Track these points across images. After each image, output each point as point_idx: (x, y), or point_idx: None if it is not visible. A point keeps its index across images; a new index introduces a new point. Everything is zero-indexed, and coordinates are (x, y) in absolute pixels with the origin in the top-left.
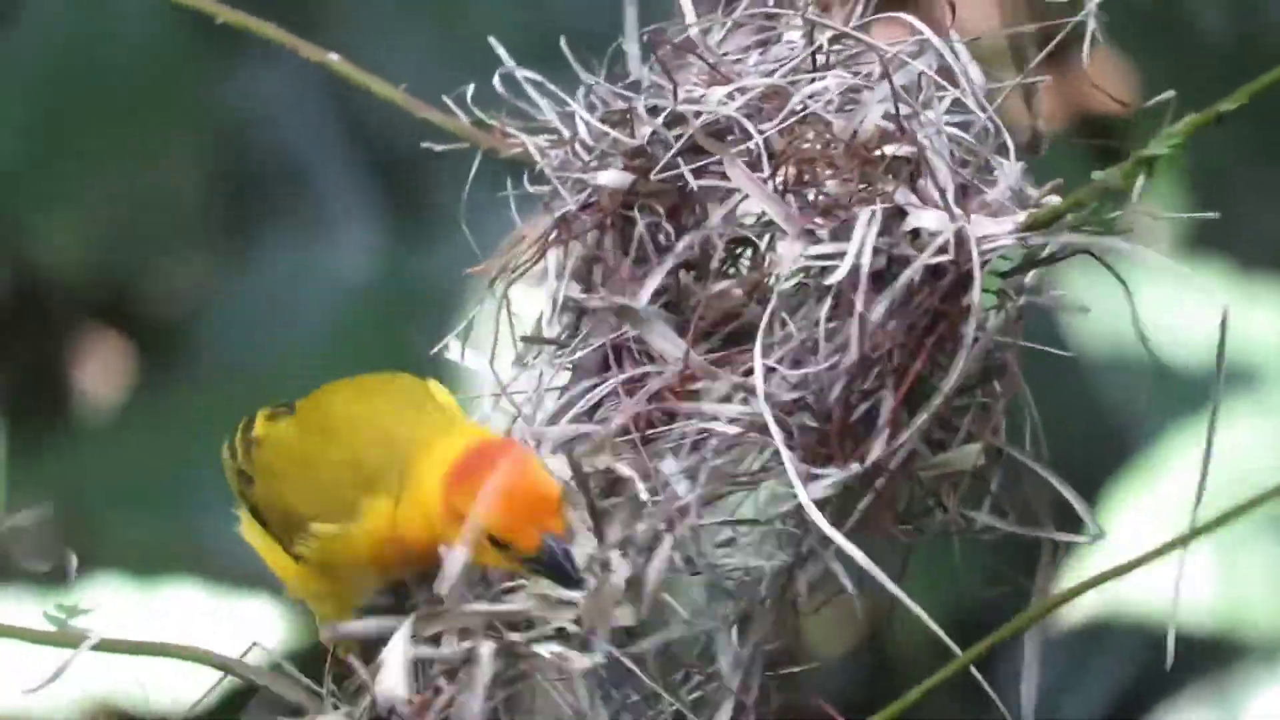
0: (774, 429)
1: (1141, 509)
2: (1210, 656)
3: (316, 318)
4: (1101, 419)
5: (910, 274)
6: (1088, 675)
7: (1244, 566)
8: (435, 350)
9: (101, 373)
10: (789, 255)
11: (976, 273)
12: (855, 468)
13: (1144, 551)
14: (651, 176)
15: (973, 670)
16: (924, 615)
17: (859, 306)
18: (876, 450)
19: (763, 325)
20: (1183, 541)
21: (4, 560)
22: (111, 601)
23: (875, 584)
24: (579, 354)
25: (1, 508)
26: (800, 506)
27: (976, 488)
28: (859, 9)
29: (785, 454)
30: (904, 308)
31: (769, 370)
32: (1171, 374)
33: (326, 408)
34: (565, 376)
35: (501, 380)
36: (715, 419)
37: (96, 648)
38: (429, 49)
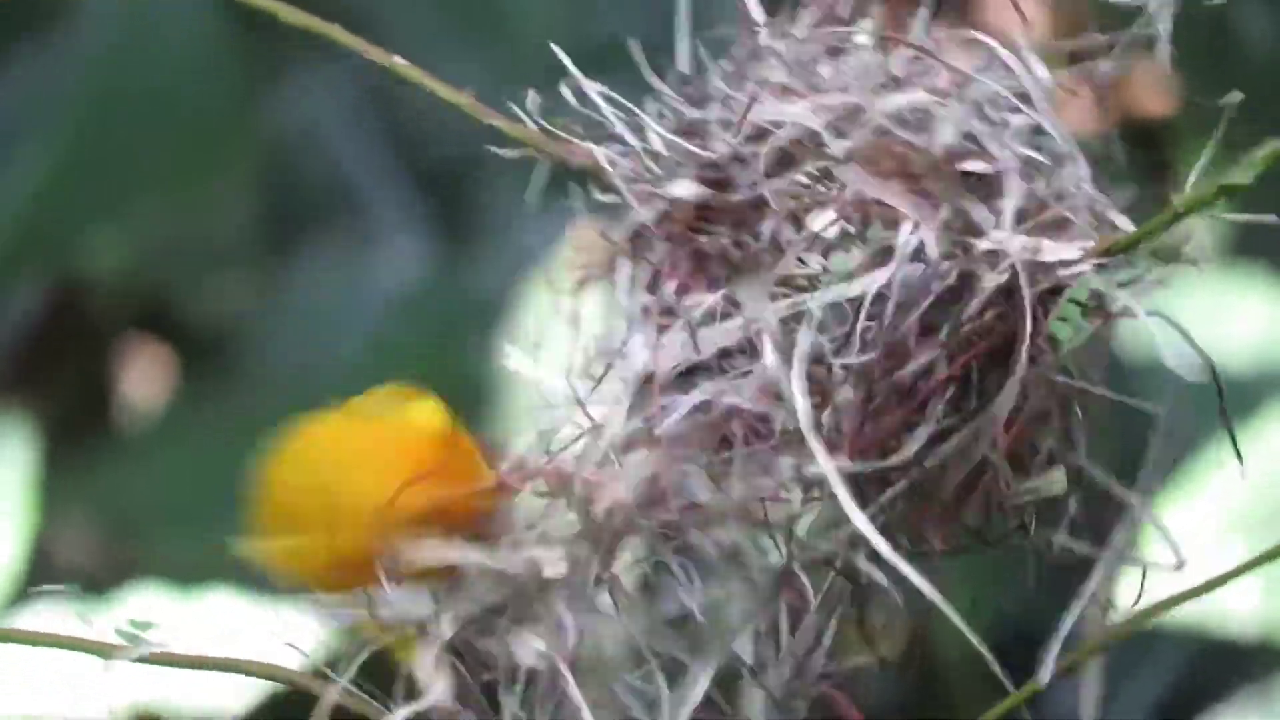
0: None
1: (1184, 520)
2: (1255, 664)
3: (362, 329)
4: (1144, 427)
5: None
6: (1131, 683)
7: None
8: (500, 359)
9: (144, 383)
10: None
11: (1025, 293)
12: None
13: (1189, 557)
14: (735, 195)
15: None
16: (971, 635)
17: (888, 314)
18: (908, 449)
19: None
20: (1269, 557)
21: (46, 569)
22: (153, 612)
23: (915, 595)
24: (649, 366)
25: (43, 518)
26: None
27: (1049, 509)
28: (929, 21)
29: (813, 441)
30: (963, 323)
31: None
32: (1223, 379)
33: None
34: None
35: (574, 392)
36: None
37: (148, 660)
38: (477, 59)
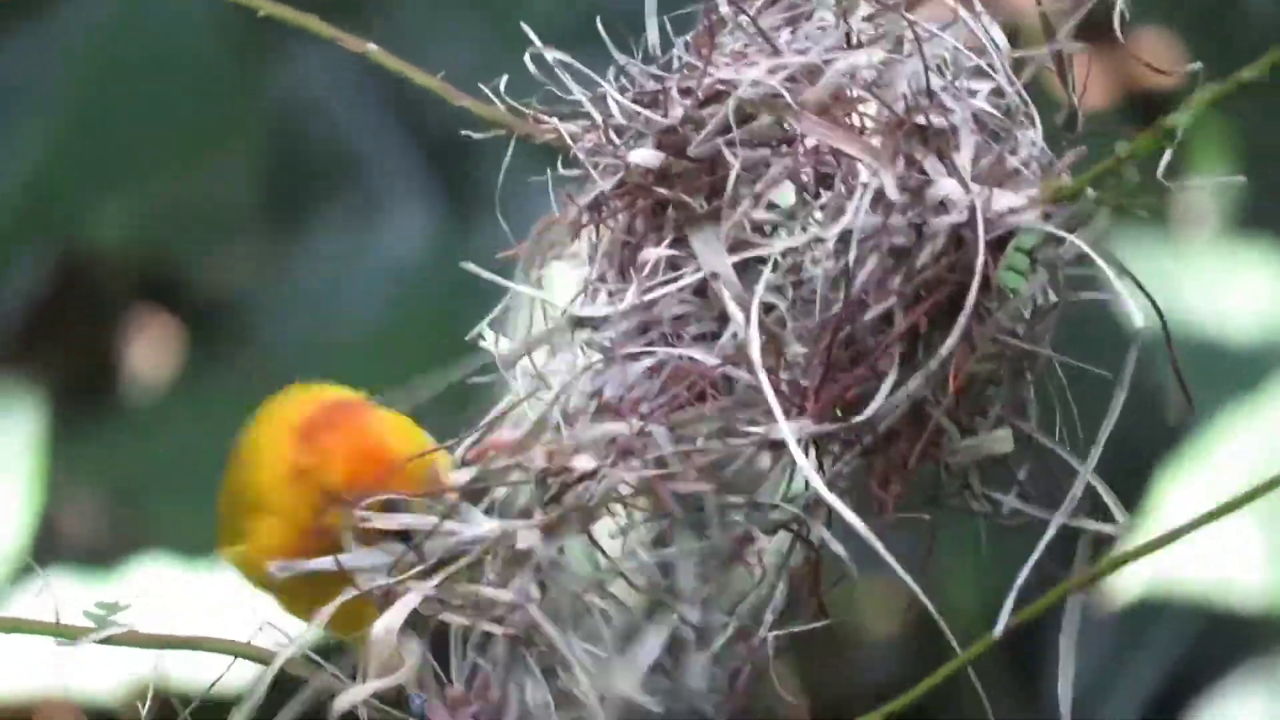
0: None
1: (1191, 491)
2: (1261, 636)
3: (367, 301)
4: (1150, 399)
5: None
6: (1137, 656)
7: None
8: (470, 336)
9: (150, 354)
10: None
11: (980, 230)
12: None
13: (1195, 532)
14: (690, 152)
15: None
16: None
17: (845, 263)
18: (870, 409)
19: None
20: (1216, 515)
21: (52, 540)
22: (159, 583)
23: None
24: (613, 335)
25: (49, 489)
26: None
27: (1005, 475)
28: None
29: (770, 395)
30: (915, 273)
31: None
32: (1221, 352)
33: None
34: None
35: (536, 366)
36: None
37: (124, 641)
38: (474, 36)
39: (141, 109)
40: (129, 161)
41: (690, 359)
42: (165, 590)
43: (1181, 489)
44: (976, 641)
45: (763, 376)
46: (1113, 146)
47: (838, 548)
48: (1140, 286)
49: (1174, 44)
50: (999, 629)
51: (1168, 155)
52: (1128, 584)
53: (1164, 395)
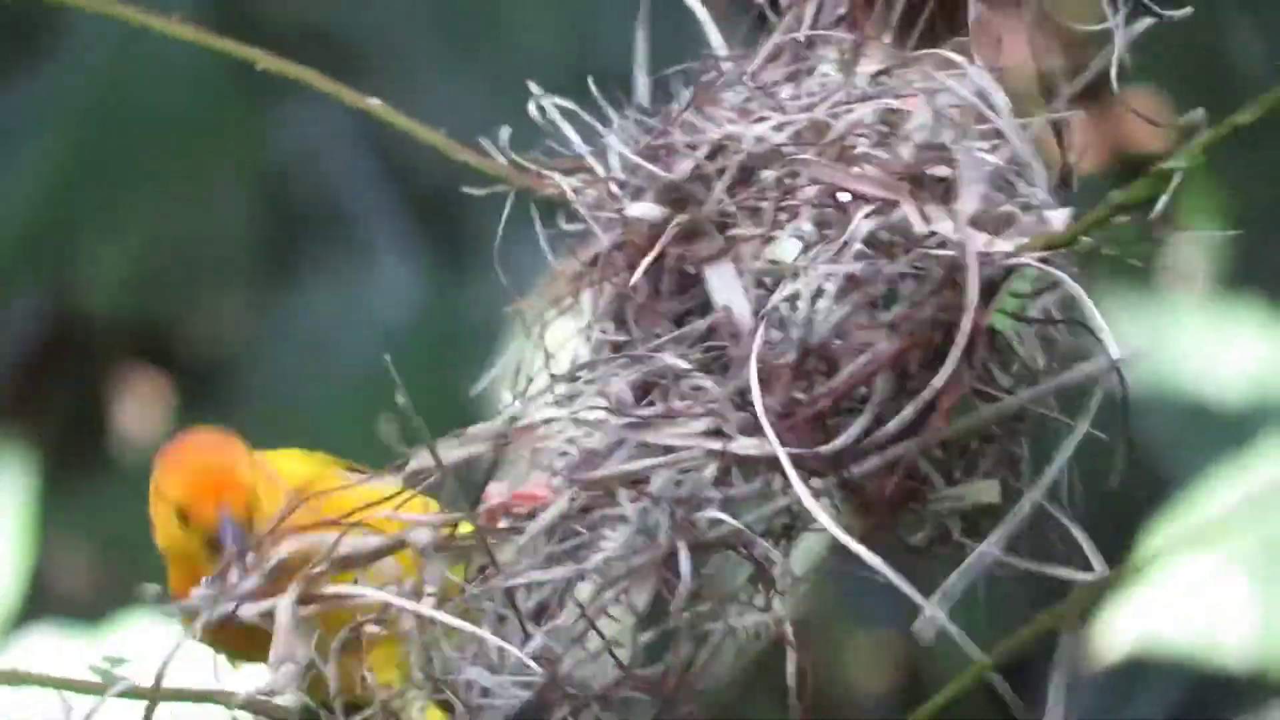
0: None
1: (1178, 545)
2: (1249, 694)
3: (357, 357)
4: (1140, 456)
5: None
6: (1126, 714)
7: None
8: (475, 391)
9: (140, 411)
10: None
11: (973, 278)
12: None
13: (1179, 588)
14: (704, 210)
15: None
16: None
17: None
18: (845, 438)
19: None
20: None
21: (44, 596)
22: (147, 638)
23: (909, 617)
24: (606, 380)
25: (40, 546)
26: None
27: (992, 526)
28: (892, 42)
29: (767, 427)
30: (905, 310)
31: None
32: (1210, 410)
33: None
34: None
35: (541, 419)
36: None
37: (129, 695)
38: (475, 91)
39: (134, 161)
40: (119, 215)
41: (694, 388)
42: (155, 646)
43: (1168, 543)
44: (966, 695)
45: (759, 398)
46: (1106, 197)
47: (786, 565)
48: (1111, 342)
49: (1163, 103)
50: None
51: (1164, 200)
52: (1116, 642)
53: (1155, 451)
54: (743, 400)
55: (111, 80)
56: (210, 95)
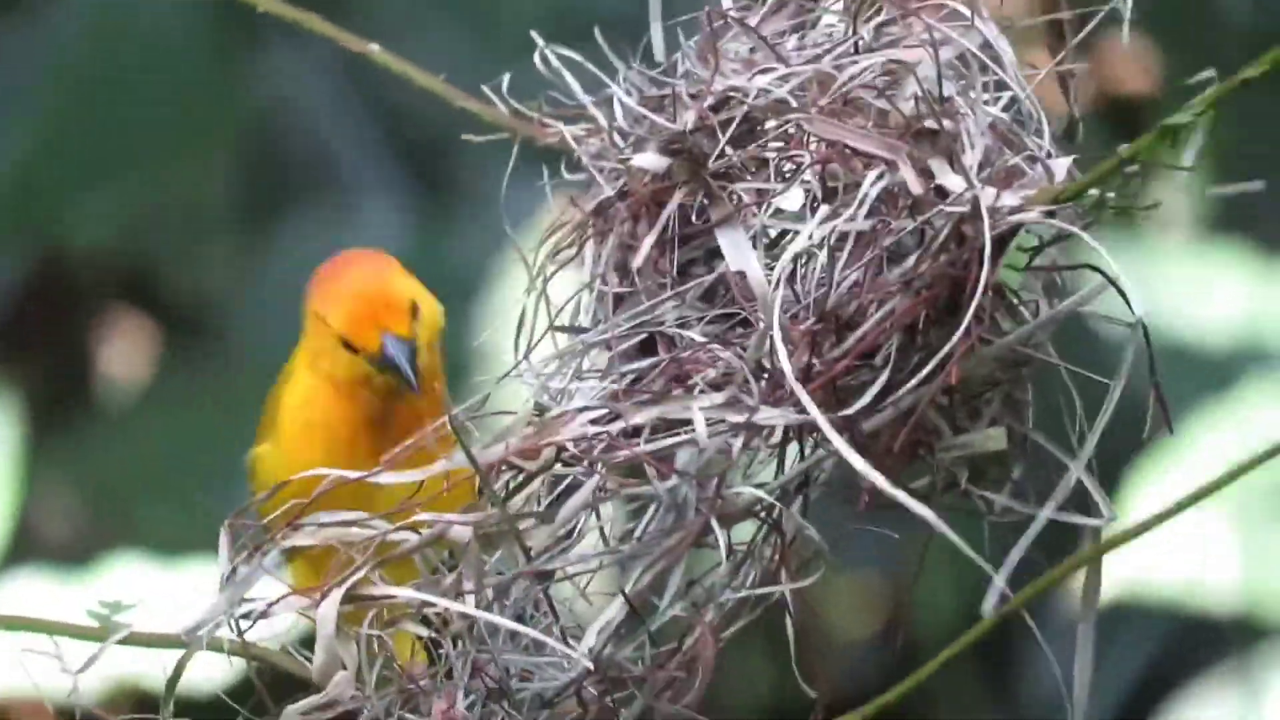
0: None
1: (1164, 491)
2: (1234, 637)
3: None
4: (1124, 400)
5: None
6: (1109, 659)
7: (1267, 546)
8: (478, 342)
9: (127, 354)
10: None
11: (985, 223)
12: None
13: (1167, 532)
14: (710, 163)
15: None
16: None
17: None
18: (866, 398)
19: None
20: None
21: (30, 540)
22: (136, 582)
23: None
24: (617, 341)
25: (27, 490)
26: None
27: (1000, 474)
28: None
29: (797, 388)
30: (916, 269)
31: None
32: (1194, 354)
33: None
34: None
35: (540, 371)
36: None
37: (124, 641)
38: (459, 38)
39: (119, 111)
40: (106, 163)
41: (701, 346)
42: (142, 589)
43: (1154, 489)
44: (954, 640)
45: (787, 366)
46: (1111, 149)
47: (812, 533)
48: (1124, 294)
49: (1150, 50)
50: (989, 607)
51: (1195, 148)
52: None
53: (1139, 399)
54: (762, 368)
55: (97, 32)
56: (197, 44)
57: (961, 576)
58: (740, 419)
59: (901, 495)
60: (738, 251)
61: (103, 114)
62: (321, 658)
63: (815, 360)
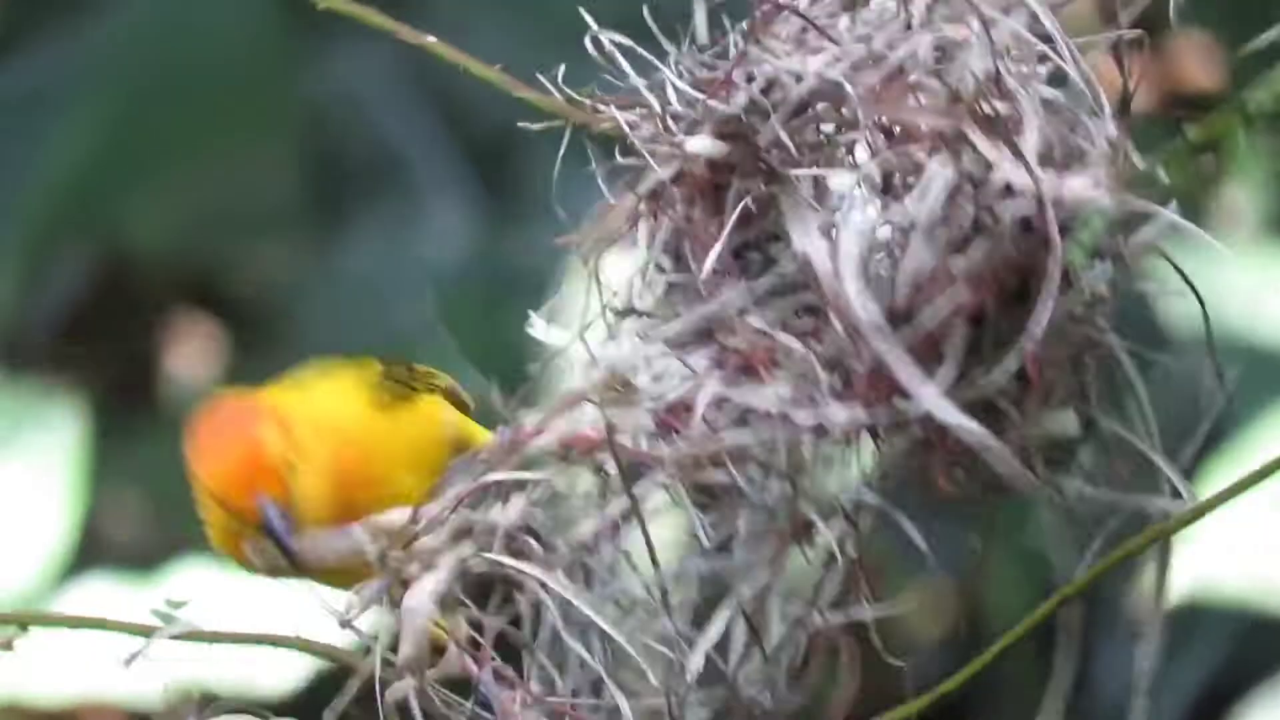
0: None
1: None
2: None
3: (408, 299)
4: (1193, 400)
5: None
6: (1179, 660)
7: None
8: (530, 327)
9: (192, 356)
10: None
11: (1052, 228)
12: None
13: (1234, 532)
14: (761, 144)
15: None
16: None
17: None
18: (942, 386)
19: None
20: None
21: (96, 544)
22: (202, 586)
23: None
24: (672, 327)
25: (93, 493)
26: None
27: (1066, 460)
28: None
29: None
30: (981, 258)
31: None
32: (1258, 353)
33: None
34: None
35: (593, 353)
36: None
37: (185, 637)
38: (514, 28)
39: (182, 109)
40: (170, 163)
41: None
42: (207, 593)
43: (1221, 488)
44: (1022, 642)
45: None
46: (1177, 135)
47: (912, 532)
48: (1189, 282)
49: (1214, 46)
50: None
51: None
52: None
53: (1202, 392)
54: (834, 364)
55: (159, 31)
56: (258, 41)
57: (1030, 575)
58: (809, 421)
59: (1017, 466)
60: (808, 238)
61: (166, 114)
62: (409, 651)
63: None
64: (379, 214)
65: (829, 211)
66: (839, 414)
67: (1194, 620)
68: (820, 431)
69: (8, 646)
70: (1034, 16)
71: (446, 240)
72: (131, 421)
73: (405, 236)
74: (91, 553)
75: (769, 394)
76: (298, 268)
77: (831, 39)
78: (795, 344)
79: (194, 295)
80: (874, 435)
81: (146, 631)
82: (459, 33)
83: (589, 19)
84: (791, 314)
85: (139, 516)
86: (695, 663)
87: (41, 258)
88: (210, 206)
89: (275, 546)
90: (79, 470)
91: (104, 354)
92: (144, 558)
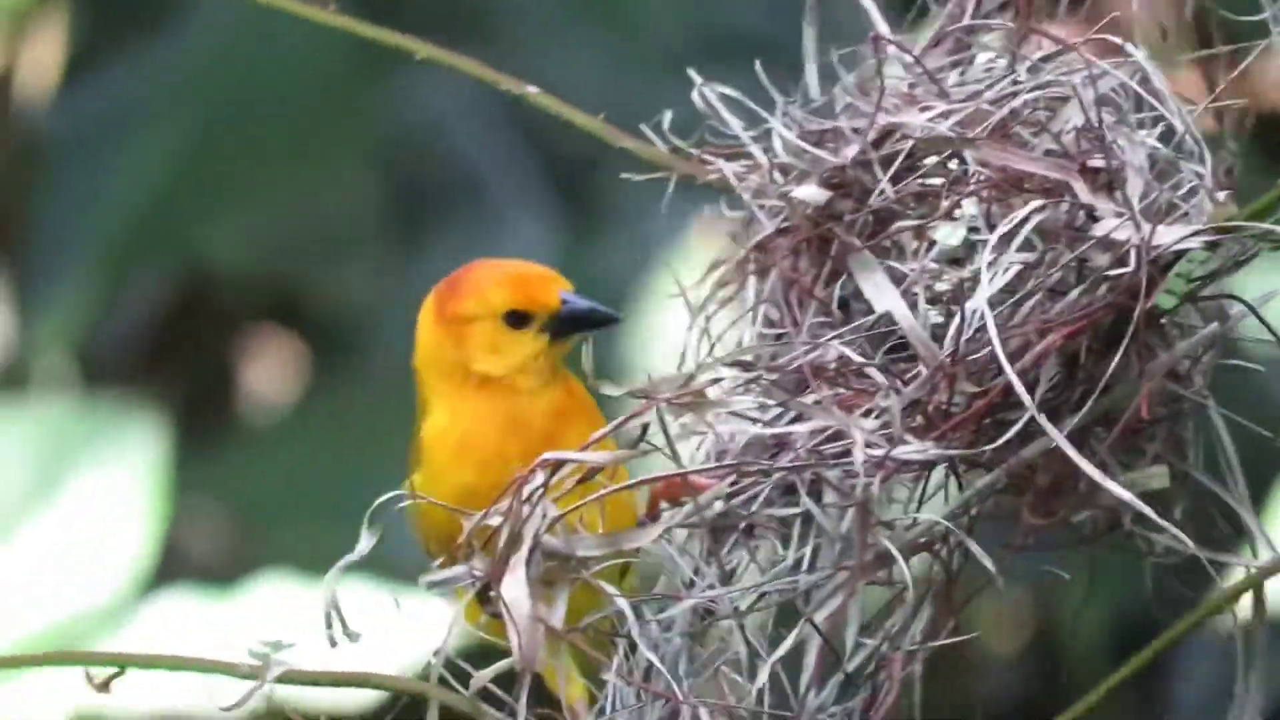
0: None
1: None
2: None
3: None
4: (1272, 424)
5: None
6: (1257, 676)
7: None
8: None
9: (271, 374)
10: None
11: (1143, 270)
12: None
13: None
14: (872, 201)
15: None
16: None
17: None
18: (1013, 431)
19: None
20: None
21: (176, 559)
22: (281, 602)
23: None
24: (776, 376)
25: (173, 508)
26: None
27: (1157, 509)
28: (1055, 22)
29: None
30: (1076, 306)
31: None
32: None
33: None
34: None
35: (722, 376)
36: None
37: (286, 680)
38: (596, 53)
39: (261, 130)
40: (250, 181)
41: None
42: (286, 607)
43: None
44: (1096, 660)
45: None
46: (1269, 175)
47: (987, 562)
48: (1265, 324)
49: None
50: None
51: None
52: (1244, 603)
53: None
54: (920, 403)
55: (238, 52)
56: (338, 61)
57: (1107, 593)
58: (878, 454)
59: (1129, 495)
60: (879, 292)
61: (245, 133)
62: (522, 641)
63: (965, 391)
64: (458, 232)
65: (923, 268)
66: (924, 450)
67: (1274, 636)
68: (905, 467)
69: (105, 688)
70: (1143, 75)
71: (525, 257)
72: (212, 438)
73: (484, 254)
74: (171, 567)
75: (857, 432)
76: (377, 286)
77: (943, 91)
78: (882, 379)
79: (274, 313)
80: (954, 472)
81: (251, 674)
82: (545, 56)
83: (693, 74)
84: (885, 357)
85: (218, 531)
86: (762, 678)
87: (122, 276)
88: (291, 226)
89: (590, 327)
90: (159, 486)
91: (184, 371)
92: (224, 572)
